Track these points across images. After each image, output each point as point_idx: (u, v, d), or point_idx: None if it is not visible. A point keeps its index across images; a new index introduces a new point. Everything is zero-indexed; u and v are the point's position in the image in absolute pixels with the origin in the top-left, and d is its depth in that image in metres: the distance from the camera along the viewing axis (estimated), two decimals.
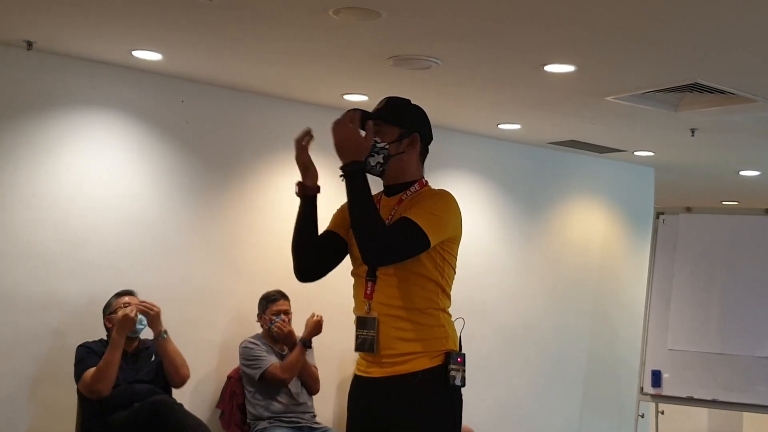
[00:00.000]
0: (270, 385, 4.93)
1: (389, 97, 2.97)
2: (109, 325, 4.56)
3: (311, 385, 5.11)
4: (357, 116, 2.85)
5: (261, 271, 5.38)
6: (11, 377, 4.53)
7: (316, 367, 5.14)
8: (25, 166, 4.61)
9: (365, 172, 2.80)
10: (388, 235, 2.73)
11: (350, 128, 2.79)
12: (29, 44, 4.45)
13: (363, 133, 2.82)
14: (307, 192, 2.95)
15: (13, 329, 4.54)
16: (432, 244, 2.74)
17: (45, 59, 4.63)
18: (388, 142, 2.87)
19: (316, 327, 5.01)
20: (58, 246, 4.69)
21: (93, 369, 4.32)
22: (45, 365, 4.63)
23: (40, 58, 4.60)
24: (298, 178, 5.84)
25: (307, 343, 4.99)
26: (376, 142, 2.84)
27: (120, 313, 4.43)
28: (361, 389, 2.88)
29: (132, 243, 4.96)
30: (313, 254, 2.94)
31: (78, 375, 4.37)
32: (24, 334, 4.57)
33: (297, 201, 5.60)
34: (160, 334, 4.52)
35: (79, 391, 4.44)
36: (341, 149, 2.79)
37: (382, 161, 2.85)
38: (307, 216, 2.95)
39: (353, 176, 2.76)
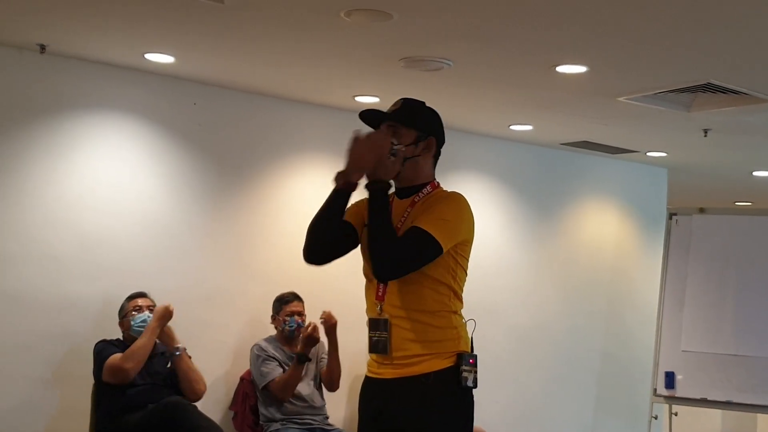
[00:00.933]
0: (272, 396, 4.94)
1: (405, 99, 2.96)
2: (123, 329, 4.59)
3: (332, 382, 5.10)
4: (390, 136, 2.85)
5: (274, 273, 5.39)
6: (25, 380, 4.55)
7: (339, 364, 5.11)
8: (38, 169, 4.63)
9: (387, 190, 2.82)
10: (399, 249, 2.74)
11: (383, 147, 2.79)
12: (42, 47, 4.48)
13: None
14: (351, 187, 2.85)
15: (26, 332, 4.56)
16: (445, 250, 2.74)
17: (58, 62, 4.66)
18: (405, 144, 2.87)
19: (310, 339, 4.92)
20: (70, 248, 4.71)
21: (118, 354, 4.37)
22: (59, 368, 4.64)
23: (53, 61, 4.63)
24: (310, 179, 5.82)
25: (302, 359, 4.92)
26: (393, 144, 2.84)
27: (162, 305, 4.51)
28: (372, 390, 2.88)
29: (145, 245, 4.97)
30: (331, 242, 2.92)
31: (101, 362, 4.39)
32: (37, 336, 4.59)
33: (309, 201, 5.62)
34: (173, 352, 4.55)
35: (95, 392, 4.46)
36: (373, 167, 2.79)
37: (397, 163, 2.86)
38: (342, 208, 2.87)
39: (378, 195, 2.79)
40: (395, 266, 2.75)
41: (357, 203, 2.96)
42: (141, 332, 4.47)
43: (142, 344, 4.40)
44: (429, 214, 2.78)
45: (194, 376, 4.60)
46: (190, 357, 4.68)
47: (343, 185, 2.83)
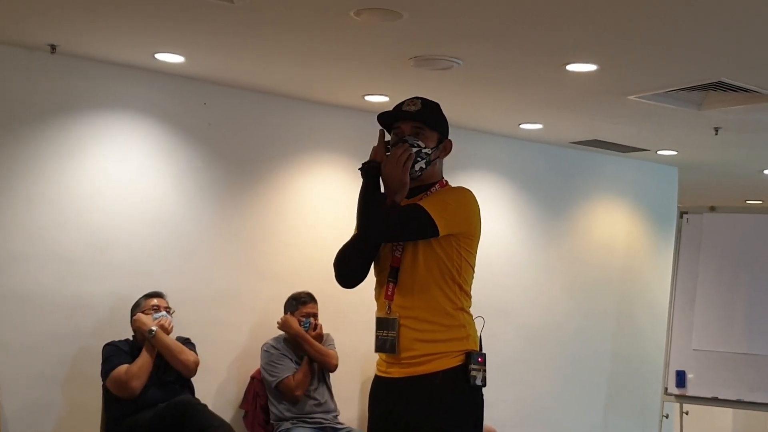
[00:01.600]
0: (284, 394, 4.95)
1: (422, 99, 2.96)
2: (139, 324, 4.59)
3: (328, 362, 5.07)
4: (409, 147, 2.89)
5: (283, 273, 5.39)
6: (37, 379, 4.56)
7: (319, 351, 5.07)
8: (50, 169, 4.64)
9: (379, 171, 2.87)
10: (391, 213, 2.78)
11: (409, 158, 2.85)
12: (53, 48, 4.49)
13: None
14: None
15: (37, 331, 4.57)
16: (441, 232, 2.76)
17: (68, 62, 4.67)
18: (431, 147, 2.88)
19: (317, 339, 5.07)
20: (82, 248, 4.72)
21: (124, 366, 4.36)
22: (70, 367, 4.66)
23: (63, 61, 4.64)
24: (320, 179, 5.82)
25: (312, 355, 5.01)
26: (421, 147, 2.85)
27: (139, 319, 4.51)
28: (382, 390, 2.89)
29: (156, 245, 4.98)
30: (364, 264, 2.96)
31: (106, 372, 4.40)
32: (49, 336, 4.60)
33: (318, 200, 5.63)
34: (147, 336, 4.47)
35: (105, 392, 4.48)
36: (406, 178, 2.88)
37: (424, 166, 2.88)
38: None
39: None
40: (383, 226, 2.80)
41: None
42: (156, 333, 4.49)
43: (144, 362, 4.39)
44: (431, 198, 2.81)
45: (176, 347, 4.53)
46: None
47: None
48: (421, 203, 2.80)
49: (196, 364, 4.58)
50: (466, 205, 2.88)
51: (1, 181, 4.51)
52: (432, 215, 2.75)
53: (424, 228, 2.76)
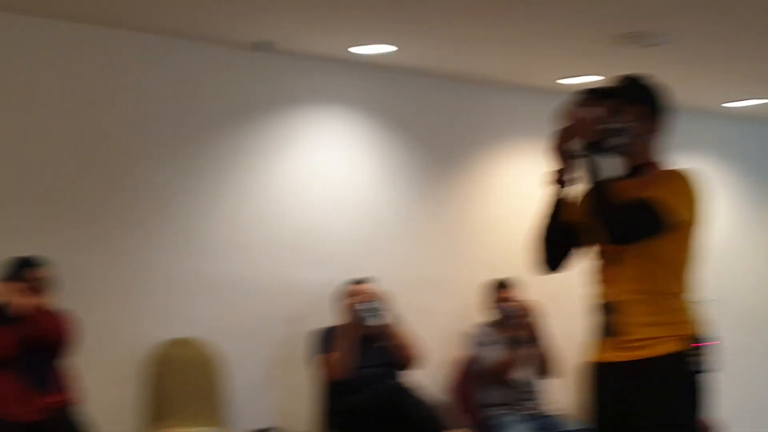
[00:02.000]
0: (487, 380, 4.96)
1: (628, 76, 2.87)
2: (344, 313, 4.70)
3: (540, 369, 5.04)
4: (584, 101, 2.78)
5: (487, 259, 5.40)
6: (254, 361, 4.77)
7: (546, 352, 5.03)
8: (261, 161, 4.84)
9: (597, 154, 2.74)
10: (626, 214, 2.68)
11: (591, 122, 2.74)
12: (263, 45, 4.65)
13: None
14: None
15: (253, 315, 4.78)
16: (667, 225, 2.65)
17: (275, 59, 4.83)
18: (630, 122, 2.79)
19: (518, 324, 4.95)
20: (292, 236, 4.89)
21: (332, 353, 4.50)
22: (284, 349, 4.85)
23: (269, 58, 4.80)
24: (519, 165, 5.72)
25: (513, 343, 4.91)
26: (617, 122, 2.77)
27: (346, 305, 4.63)
28: (604, 374, 2.83)
29: (363, 232, 5.11)
30: (565, 249, 2.91)
31: (314, 357, 4.55)
32: (262, 320, 4.79)
33: (512, 187, 5.57)
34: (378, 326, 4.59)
35: (316, 375, 4.63)
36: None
37: (624, 142, 2.78)
38: (563, 207, 2.87)
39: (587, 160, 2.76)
40: (624, 229, 2.69)
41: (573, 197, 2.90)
42: (365, 318, 4.58)
43: (348, 348, 4.50)
44: (655, 190, 2.70)
45: (404, 341, 4.63)
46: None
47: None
48: (648, 198, 2.68)
49: (421, 361, 4.68)
50: (691, 191, 2.76)
51: (218, 176, 4.73)
52: (660, 210, 2.64)
53: (654, 225, 2.66)
